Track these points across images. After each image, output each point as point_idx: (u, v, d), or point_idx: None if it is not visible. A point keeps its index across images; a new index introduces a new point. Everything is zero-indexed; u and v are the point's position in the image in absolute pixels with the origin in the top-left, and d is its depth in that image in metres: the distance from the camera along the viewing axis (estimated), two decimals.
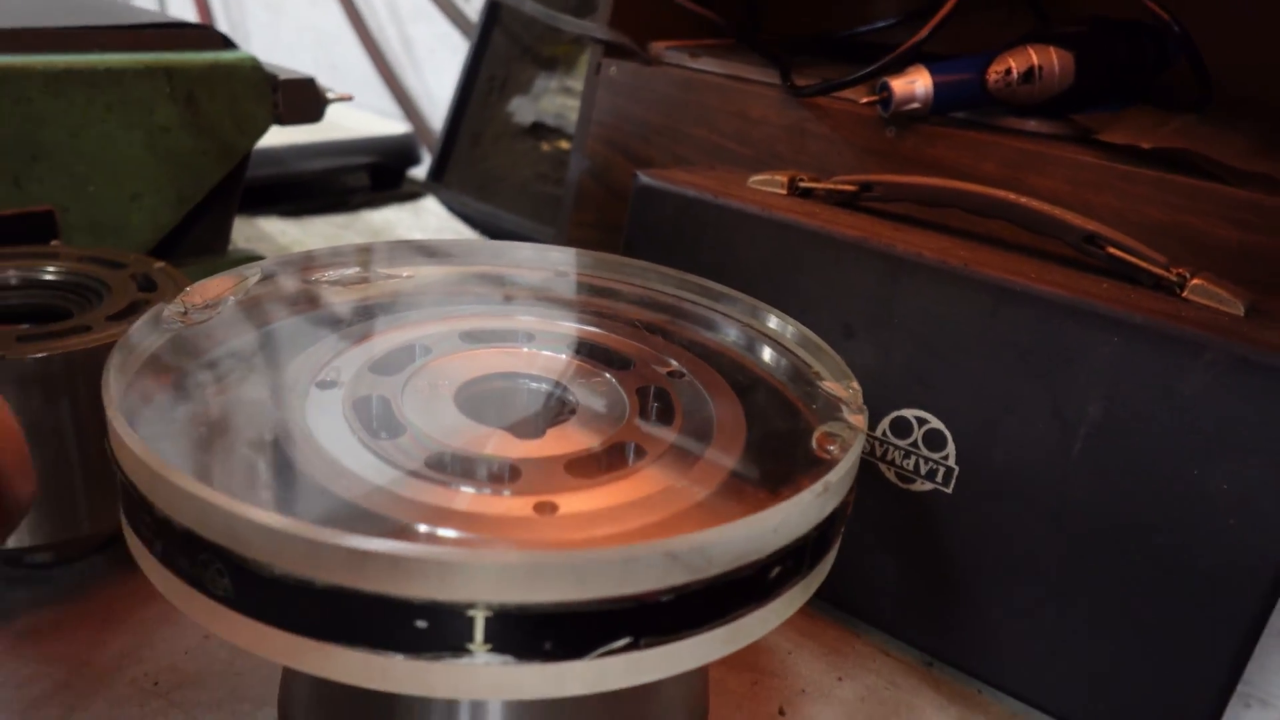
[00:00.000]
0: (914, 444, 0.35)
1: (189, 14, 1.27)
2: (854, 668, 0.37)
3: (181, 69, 0.43)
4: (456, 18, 0.93)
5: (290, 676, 0.28)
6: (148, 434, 0.22)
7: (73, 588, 0.36)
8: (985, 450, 0.34)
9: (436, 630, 0.18)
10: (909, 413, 0.35)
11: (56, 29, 0.41)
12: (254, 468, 0.22)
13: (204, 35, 0.45)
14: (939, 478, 0.35)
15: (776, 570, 0.21)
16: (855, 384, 0.27)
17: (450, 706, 0.24)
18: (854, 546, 0.38)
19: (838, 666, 0.37)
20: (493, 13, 0.76)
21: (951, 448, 0.35)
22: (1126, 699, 0.33)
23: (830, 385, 0.27)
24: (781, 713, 0.34)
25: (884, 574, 0.37)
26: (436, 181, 0.83)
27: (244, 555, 0.18)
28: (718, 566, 0.19)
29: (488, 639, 0.18)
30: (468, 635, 0.18)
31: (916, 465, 0.35)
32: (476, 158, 0.81)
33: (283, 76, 0.46)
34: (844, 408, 0.26)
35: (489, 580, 0.17)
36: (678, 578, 0.19)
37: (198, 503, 0.18)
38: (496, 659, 0.18)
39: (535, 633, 0.18)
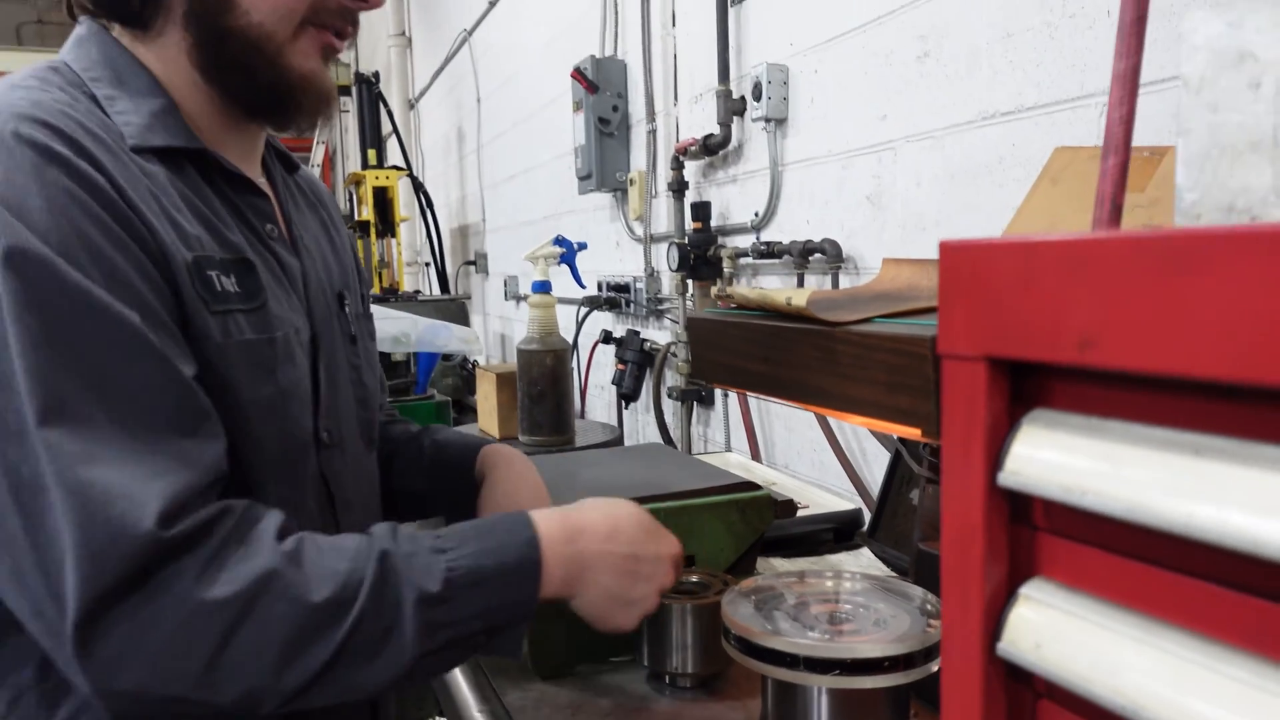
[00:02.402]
0: None
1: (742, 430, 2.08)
2: None
3: (739, 500, 1.09)
4: (886, 444, 1.56)
5: (764, 690, 0.84)
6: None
7: (689, 698, 0.96)
8: None
9: (791, 661, 0.74)
10: None
11: (703, 489, 1.10)
12: (779, 627, 0.81)
13: (749, 485, 1.12)
14: None
15: (888, 663, 0.73)
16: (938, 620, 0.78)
17: (796, 688, 0.78)
18: None
19: None
20: (898, 453, 1.36)
21: None
22: None
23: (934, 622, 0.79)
24: None
25: None
26: (871, 537, 1.41)
27: (749, 640, 0.77)
28: (865, 655, 0.73)
29: (806, 666, 0.74)
30: (798, 664, 0.74)
31: None
32: (893, 525, 1.38)
33: (779, 500, 1.11)
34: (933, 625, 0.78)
35: (804, 649, 0.74)
36: (856, 656, 0.73)
37: (739, 628, 0.78)
38: (809, 673, 0.74)
39: (814, 665, 0.74)
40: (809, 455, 1.85)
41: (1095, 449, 0.34)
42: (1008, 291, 0.36)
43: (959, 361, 0.38)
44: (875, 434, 1.59)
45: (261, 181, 0.88)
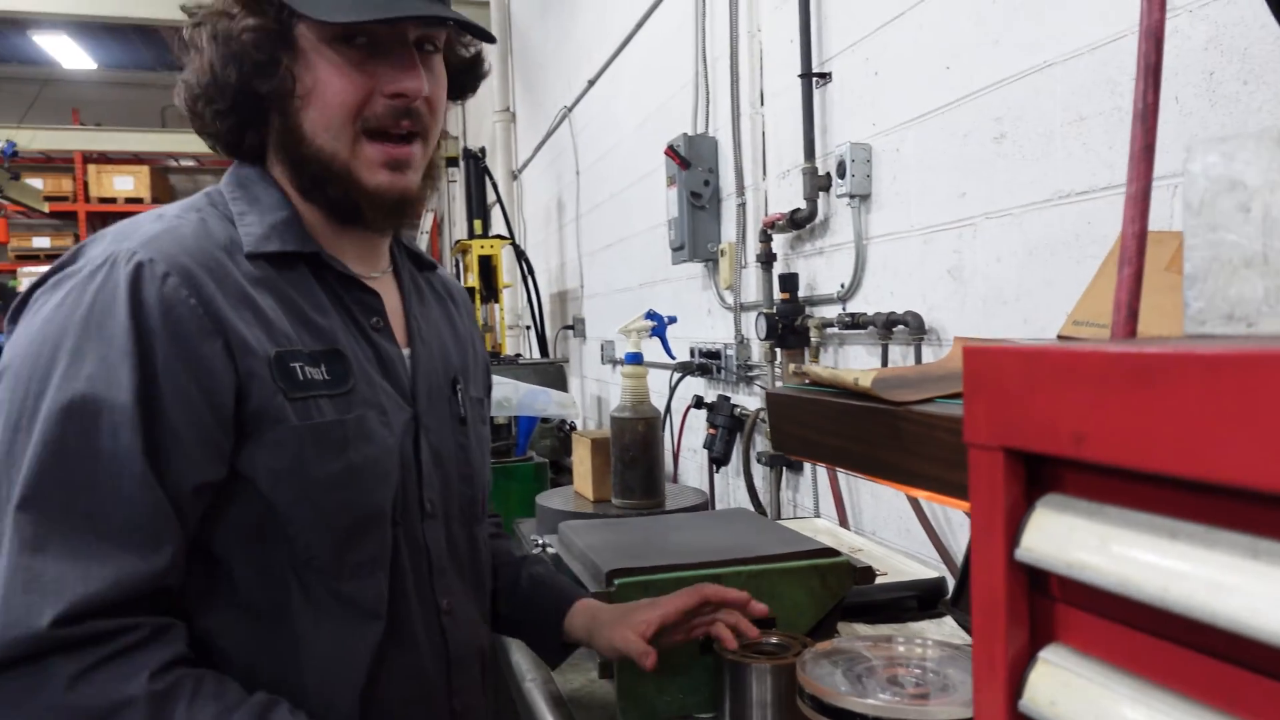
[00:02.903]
0: None
1: (828, 494, 2.11)
2: None
3: (818, 565, 1.14)
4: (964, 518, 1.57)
5: None
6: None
7: None
8: None
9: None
10: None
11: (784, 554, 1.15)
12: (853, 688, 0.86)
13: (828, 551, 1.16)
14: None
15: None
16: None
17: None
18: None
19: None
20: None
21: None
22: None
23: None
24: None
25: None
26: (954, 606, 1.42)
27: (822, 700, 0.82)
28: (932, 717, 0.77)
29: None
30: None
31: None
32: None
33: (858, 567, 1.15)
34: None
35: (873, 710, 0.78)
36: (924, 718, 0.77)
37: (813, 688, 0.83)
38: None
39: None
40: (895, 523, 1.86)
41: (1093, 530, 0.40)
42: (1018, 391, 0.42)
43: (981, 450, 0.45)
44: None
45: (382, 278, 1.00)
